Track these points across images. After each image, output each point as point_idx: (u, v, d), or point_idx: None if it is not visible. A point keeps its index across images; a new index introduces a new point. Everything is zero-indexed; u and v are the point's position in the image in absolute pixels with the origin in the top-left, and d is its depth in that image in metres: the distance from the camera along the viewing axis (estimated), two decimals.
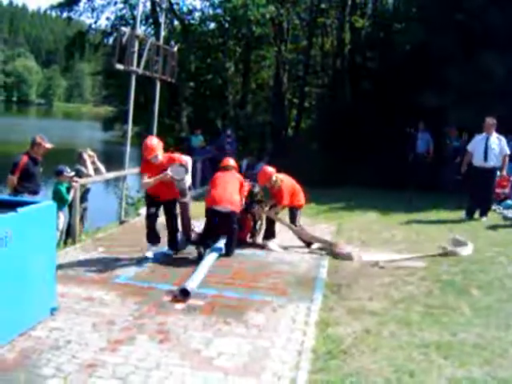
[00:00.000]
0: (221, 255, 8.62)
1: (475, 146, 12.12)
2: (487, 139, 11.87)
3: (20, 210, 5.23)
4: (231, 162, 9.57)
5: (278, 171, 18.58)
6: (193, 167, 17.84)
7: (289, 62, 25.34)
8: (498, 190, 13.35)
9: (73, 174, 9.89)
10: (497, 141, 11.89)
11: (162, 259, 8.47)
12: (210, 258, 8.29)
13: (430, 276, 7.97)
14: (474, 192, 12.14)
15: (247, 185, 9.82)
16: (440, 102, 15.47)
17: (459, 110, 15.20)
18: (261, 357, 5.14)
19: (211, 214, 9.01)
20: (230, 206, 8.86)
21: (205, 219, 9.21)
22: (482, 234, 10.59)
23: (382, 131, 18.50)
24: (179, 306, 6.38)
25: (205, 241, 8.92)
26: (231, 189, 9.09)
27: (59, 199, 9.42)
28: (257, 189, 9.91)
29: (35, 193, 8.65)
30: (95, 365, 4.77)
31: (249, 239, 9.63)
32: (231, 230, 8.90)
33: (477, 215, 12.16)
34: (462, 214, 12.43)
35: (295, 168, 19.30)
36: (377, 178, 17.00)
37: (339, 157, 19.36)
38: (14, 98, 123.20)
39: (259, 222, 9.94)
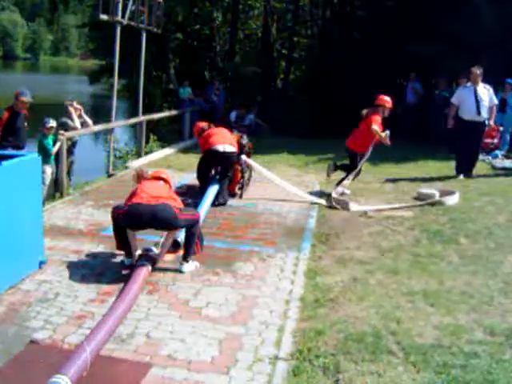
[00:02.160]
0: (214, 203, 8.65)
1: (462, 98, 11.39)
2: (475, 91, 11.15)
3: (4, 163, 5.17)
4: None
5: (268, 122, 18.59)
6: (181, 119, 17.83)
7: (277, 12, 24.95)
8: (486, 140, 13.30)
9: (53, 125, 9.73)
10: (485, 91, 11.22)
11: None
12: (211, 192, 8.62)
13: (418, 225, 8.00)
14: (463, 146, 11.40)
15: (235, 136, 9.76)
16: (430, 52, 15.32)
17: (449, 59, 15.08)
18: (249, 306, 5.18)
19: (212, 156, 9.21)
20: (232, 146, 9.21)
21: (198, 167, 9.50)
22: (471, 184, 10.61)
23: (372, 81, 18.33)
24: (168, 256, 6.38)
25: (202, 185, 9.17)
26: (229, 136, 9.48)
27: (44, 152, 9.32)
28: (245, 140, 9.84)
29: (20, 147, 8.54)
30: (84, 316, 4.80)
31: (237, 190, 9.59)
32: (226, 174, 9.18)
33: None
34: (450, 163, 12.40)
35: (284, 119, 19.35)
36: None
37: (329, 107, 19.26)
38: (0, 53, 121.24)
39: (247, 174, 9.89)
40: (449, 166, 12.09)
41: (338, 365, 4.18)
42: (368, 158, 13.49)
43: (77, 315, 4.82)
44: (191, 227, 6.03)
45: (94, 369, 3.90)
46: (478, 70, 11.09)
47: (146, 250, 6.15)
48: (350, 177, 10.11)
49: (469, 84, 11.40)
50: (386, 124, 16.39)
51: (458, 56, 14.72)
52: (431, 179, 11.25)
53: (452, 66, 15.17)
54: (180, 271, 5.95)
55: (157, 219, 5.73)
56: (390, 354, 4.33)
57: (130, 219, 5.79)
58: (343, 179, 10.15)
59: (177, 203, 5.98)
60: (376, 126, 9.66)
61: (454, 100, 11.62)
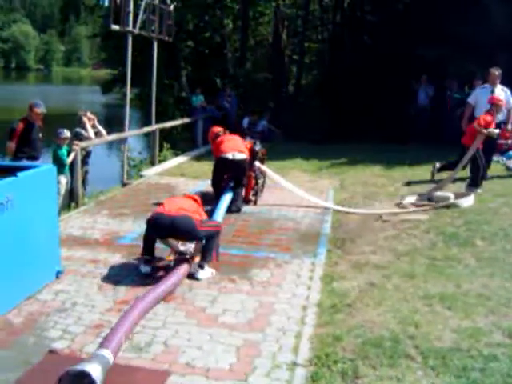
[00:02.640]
0: (229, 210, 8.69)
1: (478, 98, 11.21)
2: (492, 92, 10.89)
3: (20, 174, 5.21)
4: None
5: (280, 128, 18.60)
6: (194, 127, 17.89)
7: (288, 18, 25.01)
8: (501, 141, 13.20)
9: (67, 135, 9.79)
10: (502, 93, 10.96)
11: None
12: (226, 199, 8.61)
13: (434, 228, 7.96)
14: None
15: (249, 143, 9.77)
16: (440, 54, 15.30)
17: (459, 61, 15.04)
18: (266, 312, 5.18)
19: (222, 164, 9.27)
20: (242, 153, 9.21)
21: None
22: (485, 185, 10.55)
23: (383, 85, 18.34)
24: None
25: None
26: (240, 143, 9.46)
27: (58, 162, 9.39)
28: (258, 147, 9.84)
29: (35, 158, 8.60)
30: (102, 325, 4.81)
31: (251, 197, 9.60)
32: (240, 181, 9.17)
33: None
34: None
35: (297, 124, 19.38)
36: (378, 133, 16.96)
37: (340, 112, 19.27)
38: (13, 65, 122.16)
39: (261, 180, 9.91)
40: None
41: (357, 370, 4.17)
42: (381, 162, 13.51)
43: (94, 324, 4.84)
44: (211, 237, 6.11)
45: (112, 377, 3.91)
46: (496, 71, 10.95)
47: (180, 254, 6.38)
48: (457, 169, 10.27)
49: (487, 85, 11.23)
50: (397, 127, 16.47)
51: (469, 58, 14.69)
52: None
53: (463, 68, 15.12)
54: (196, 278, 5.97)
55: (176, 229, 5.93)
56: (408, 359, 4.31)
57: (151, 228, 6.09)
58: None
59: (200, 217, 6.16)
60: (477, 125, 9.94)
61: (470, 100, 11.44)
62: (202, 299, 5.44)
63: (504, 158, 12.99)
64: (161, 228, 6.00)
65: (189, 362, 4.26)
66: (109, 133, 11.74)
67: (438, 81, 17.13)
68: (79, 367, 3.77)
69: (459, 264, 6.54)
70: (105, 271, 6.18)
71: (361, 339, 4.61)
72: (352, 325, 4.89)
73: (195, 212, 6.15)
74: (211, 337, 4.66)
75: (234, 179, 9.25)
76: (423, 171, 12.64)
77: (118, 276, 6.00)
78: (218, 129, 9.79)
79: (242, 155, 9.19)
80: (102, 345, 4.14)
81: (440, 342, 4.58)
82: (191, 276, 6.01)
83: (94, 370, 3.75)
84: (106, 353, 4.01)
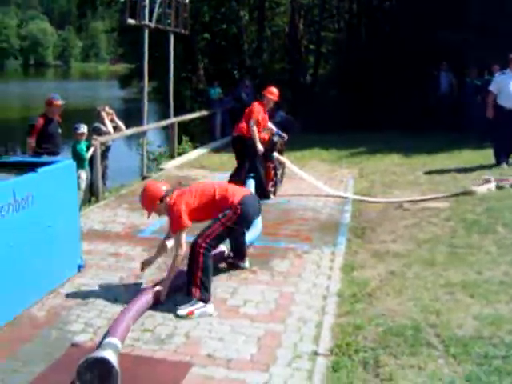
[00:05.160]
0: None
1: (500, 85, 10.96)
2: None
3: (40, 170, 5.26)
4: None
5: (298, 118, 18.53)
6: (212, 119, 17.91)
7: (304, 7, 24.89)
8: None
9: (84, 131, 9.83)
10: None
11: None
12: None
13: (455, 216, 7.91)
14: (500, 135, 11.02)
15: (266, 133, 9.70)
16: (459, 41, 15.14)
17: (479, 48, 14.86)
18: (286, 303, 5.19)
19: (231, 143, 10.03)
20: (237, 132, 9.56)
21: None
22: (507, 172, 10.46)
23: (402, 73, 18.21)
24: None
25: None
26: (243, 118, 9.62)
27: (77, 158, 9.46)
28: (276, 138, 9.81)
29: (55, 153, 8.65)
30: None
31: (271, 188, 9.60)
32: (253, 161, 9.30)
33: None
34: (484, 152, 12.23)
35: (315, 114, 19.31)
36: (398, 121, 16.83)
37: (359, 101, 19.15)
38: (32, 62, 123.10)
39: (280, 171, 9.90)
40: (484, 156, 11.93)
41: (378, 359, 4.16)
42: (400, 149, 13.44)
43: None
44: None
45: (134, 369, 3.95)
46: None
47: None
48: None
49: (507, 71, 10.98)
50: (417, 115, 16.34)
51: (489, 44, 14.50)
52: (466, 169, 11.07)
53: (482, 55, 14.94)
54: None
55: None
56: (430, 347, 4.30)
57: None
58: None
59: None
60: None
61: (492, 88, 11.16)
62: (222, 291, 5.46)
63: None
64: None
65: (210, 353, 4.28)
66: (128, 127, 11.78)
67: (458, 68, 16.96)
68: (96, 354, 3.82)
69: (480, 251, 6.49)
70: (125, 264, 6.23)
71: (382, 328, 4.60)
72: (373, 314, 4.88)
73: None
74: (232, 328, 4.68)
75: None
76: (442, 159, 12.58)
77: (139, 269, 6.01)
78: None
79: (237, 133, 9.56)
80: (108, 334, 4.26)
81: (461, 330, 4.55)
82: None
83: (111, 356, 3.80)
84: (115, 340, 4.11)
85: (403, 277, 5.76)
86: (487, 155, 11.54)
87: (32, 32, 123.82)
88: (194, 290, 5.01)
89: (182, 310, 4.94)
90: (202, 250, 5.06)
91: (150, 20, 11.66)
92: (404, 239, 7.06)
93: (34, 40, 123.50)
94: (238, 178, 9.35)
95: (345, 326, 4.67)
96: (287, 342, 4.46)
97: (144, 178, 11.58)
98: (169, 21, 12.94)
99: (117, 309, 4.99)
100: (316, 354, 4.27)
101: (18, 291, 4.91)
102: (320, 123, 18.49)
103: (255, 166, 9.30)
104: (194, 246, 5.10)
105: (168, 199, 5.25)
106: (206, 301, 5.01)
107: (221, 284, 5.62)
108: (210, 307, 5.01)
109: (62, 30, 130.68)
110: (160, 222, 7.82)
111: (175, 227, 5.20)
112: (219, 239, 5.31)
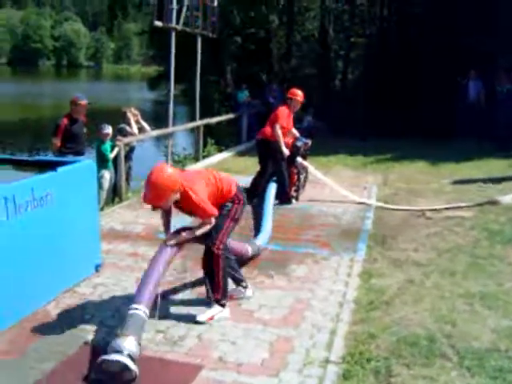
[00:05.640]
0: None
1: None
2: None
3: (59, 169, 5.31)
4: None
5: (326, 123, 18.43)
6: (239, 122, 17.92)
7: (334, 12, 24.78)
8: None
9: (108, 131, 9.89)
10: None
11: None
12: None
13: (478, 226, 7.82)
14: None
15: (291, 137, 9.67)
16: (490, 47, 14.97)
17: (509, 54, 14.70)
18: (301, 308, 5.15)
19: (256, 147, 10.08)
20: (261, 135, 9.54)
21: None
22: None
23: (431, 80, 18.02)
24: None
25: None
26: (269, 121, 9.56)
27: (101, 158, 9.53)
28: (300, 143, 9.77)
29: (80, 153, 8.72)
30: None
31: (293, 193, 9.56)
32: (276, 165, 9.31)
33: None
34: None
35: (343, 120, 19.21)
36: (425, 128, 16.66)
37: (387, 107, 18.97)
38: (64, 62, 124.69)
39: (303, 176, 9.86)
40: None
41: (390, 368, 4.11)
42: (427, 157, 13.31)
43: None
44: None
45: (144, 370, 3.94)
46: None
47: None
48: None
49: None
50: (444, 123, 16.15)
51: None
52: (492, 179, 10.91)
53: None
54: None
55: None
56: (443, 358, 4.23)
57: None
58: None
59: None
60: None
61: None
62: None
63: None
64: None
65: (221, 356, 4.27)
66: (155, 128, 11.82)
67: (486, 75, 16.75)
68: (114, 357, 3.82)
69: (502, 262, 6.41)
70: (143, 265, 6.21)
71: (396, 337, 4.54)
72: (388, 322, 4.83)
73: None
74: (245, 332, 4.66)
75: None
76: (469, 168, 12.43)
77: None
78: None
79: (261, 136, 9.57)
80: (135, 300, 4.29)
81: (477, 341, 4.48)
82: None
83: (128, 361, 3.80)
84: (142, 310, 4.19)
85: (422, 286, 5.70)
86: None
87: (65, 33, 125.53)
88: (215, 294, 4.95)
89: (203, 316, 4.89)
90: (220, 253, 4.95)
91: (178, 22, 11.71)
92: (425, 248, 6.98)
93: (67, 41, 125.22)
94: (260, 181, 9.35)
95: (359, 334, 4.62)
96: (299, 347, 4.42)
97: None
98: (197, 23, 12.97)
99: None
100: (327, 361, 4.23)
101: (34, 288, 4.96)
102: (348, 129, 18.40)
103: (280, 170, 9.28)
104: (211, 251, 4.95)
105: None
106: (224, 305, 4.99)
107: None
108: (226, 311, 5.00)
109: (94, 31, 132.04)
110: (181, 224, 7.86)
111: (205, 216, 4.85)
112: (229, 236, 5.17)
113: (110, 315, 4.96)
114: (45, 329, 4.69)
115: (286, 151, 9.31)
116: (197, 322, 4.84)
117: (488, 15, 15.82)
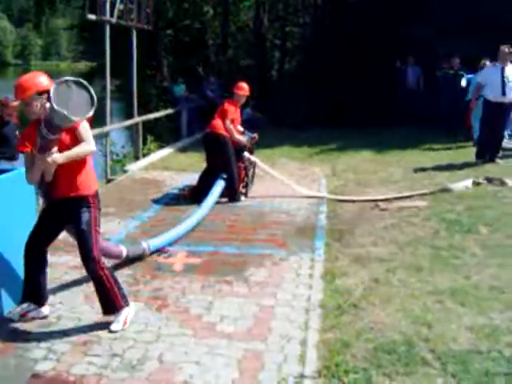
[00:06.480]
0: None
1: (488, 77, 10.79)
2: (503, 70, 10.51)
3: None
4: None
5: (265, 114, 18.15)
6: (178, 117, 17.42)
7: (268, 2, 24.49)
8: None
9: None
10: None
11: (153, 218, 8.06)
12: (217, 189, 8.50)
13: (434, 215, 7.66)
14: (484, 129, 10.95)
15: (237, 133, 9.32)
16: (427, 34, 14.99)
17: (445, 41, 14.76)
18: (266, 317, 4.79)
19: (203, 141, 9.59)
20: (210, 129, 9.20)
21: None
22: (479, 168, 10.29)
23: (369, 68, 17.95)
24: (176, 266, 6.03)
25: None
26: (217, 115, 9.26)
27: None
28: (246, 137, 9.42)
29: (13, 158, 8.13)
30: (90, 341, 4.40)
31: (242, 189, 9.21)
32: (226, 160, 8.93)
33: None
34: (455, 144, 12.30)
35: (282, 111, 18.95)
36: (367, 117, 16.61)
37: (326, 97, 18.83)
38: None
39: (251, 171, 9.52)
40: (457, 152, 11.83)
41: (370, 380, 3.80)
42: (371, 145, 13.22)
43: (82, 341, 4.41)
44: None
45: None
46: (506, 49, 10.51)
47: None
48: None
49: (497, 63, 10.80)
50: (385, 110, 16.15)
51: (455, 37, 14.41)
52: (440, 166, 10.85)
53: (449, 48, 14.82)
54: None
55: None
56: (425, 365, 3.95)
57: None
58: None
59: None
60: None
61: (480, 80, 11.13)
62: (196, 305, 5.03)
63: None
64: None
65: (187, 380, 3.86)
66: (90, 127, 11.20)
67: (426, 60, 16.81)
68: None
69: (464, 253, 6.22)
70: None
71: (372, 344, 4.24)
72: (360, 328, 4.53)
73: None
74: (210, 349, 4.26)
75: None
76: (415, 155, 12.37)
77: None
78: None
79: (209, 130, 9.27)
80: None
81: (456, 343, 4.23)
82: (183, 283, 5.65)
83: None
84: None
85: (389, 284, 5.43)
86: (460, 151, 11.41)
87: None
88: (117, 303, 4.62)
89: (116, 325, 4.58)
90: (101, 264, 4.61)
91: (112, 15, 11.15)
92: (384, 241, 6.75)
93: None
94: (207, 177, 8.97)
95: (331, 343, 4.29)
96: (270, 363, 4.06)
97: (108, 180, 11.09)
98: (131, 16, 12.42)
99: (81, 331, 4.56)
100: (302, 376, 3.89)
101: None
102: (287, 119, 18.18)
103: (229, 164, 8.90)
104: (91, 266, 4.59)
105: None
106: (128, 303, 4.71)
107: (194, 298, 5.21)
108: (132, 308, 4.74)
109: (20, 28, 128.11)
110: (127, 230, 7.44)
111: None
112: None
113: (58, 340, 4.44)
114: None
115: (244, 140, 9.22)
116: (112, 332, 4.52)
117: (424, 2, 15.85)
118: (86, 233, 4.63)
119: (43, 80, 4.48)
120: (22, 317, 4.74)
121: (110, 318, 4.64)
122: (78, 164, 4.59)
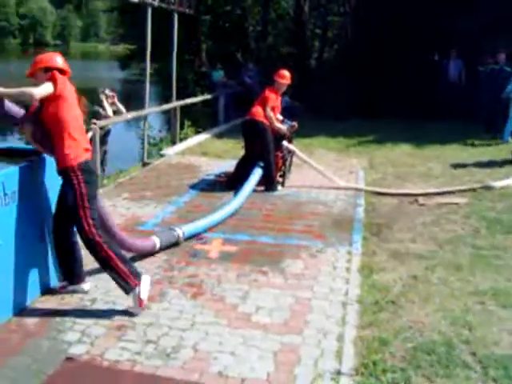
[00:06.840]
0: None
1: None
2: None
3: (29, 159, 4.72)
4: None
5: (303, 104, 17.94)
6: (216, 103, 17.35)
7: None
8: None
9: None
10: None
11: (189, 204, 8.02)
12: (255, 178, 8.44)
13: (474, 213, 7.50)
14: None
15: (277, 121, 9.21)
16: (470, 28, 14.65)
17: (491, 35, 14.42)
18: (303, 310, 4.71)
19: (242, 128, 9.37)
20: (249, 116, 9.02)
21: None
22: None
23: (410, 60, 17.64)
24: (212, 254, 5.98)
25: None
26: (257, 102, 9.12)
27: None
28: (285, 126, 9.31)
29: None
30: (124, 326, 4.37)
31: (279, 178, 9.11)
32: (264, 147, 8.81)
33: None
34: (495, 141, 12.36)
35: (320, 100, 18.76)
36: (405, 109, 16.30)
37: (365, 88, 18.57)
38: (31, 41, 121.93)
39: (288, 160, 9.41)
40: (498, 148, 11.58)
41: (409, 381, 3.71)
42: (411, 140, 12.99)
43: (116, 325, 4.39)
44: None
45: None
46: None
47: None
48: None
49: None
50: (425, 103, 15.85)
51: (501, 31, 14.08)
52: (481, 162, 10.62)
53: (494, 42, 14.47)
54: None
55: None
56: (466, 368, 3.85)
57: None
58: None
59: None
60: None
61: None
62: (232, 295, 4.97)
63: None
64: None
65: (221, 370, 3.81)
66: (127, 110, 11.20)
67: (468, 55, 16.46)
68: None
69: (506, 253, 6.08)
70: None
71: (411, 344, 4.14)
72: (399, 326, 4.43)
73: None
74: (245, 340, 4.20)
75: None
76: (455, 150, 12.13)
77: (139, 267, 5.46)
78: None
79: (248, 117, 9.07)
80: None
81: (498, 347, 4.11)
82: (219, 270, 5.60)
83: None
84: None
85: (428, 282, 5.31)
86: (501, 148, 11.16)
87: (31, 11, 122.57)
88: (130, 282, 4.57)
89: (134, 309, 4.57)
90: (101, 244, 4.54)
91: None
92: (423, 238, 6.62)
93: (33, 19, 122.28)
94: (244, 165, 8.90)
95: (369, 341, 4.20)
96: (307, 357, 3.99)
97: (144, 164, 11.09)
98: (173, 0, 12.38)
99: (116, 316, 4.53)
100: (339, 373, 3.81)
101: (6, 294, 4.42)
102: (325, 109, 17.97)
103: (268, 152, 8.81)
104: (88, 247, 4.58)
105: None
106: (139, 276, 4.67)
107: (230, 287, 5.15)
108: (145, 279, 4.70)
109: (61, 9, 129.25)
110: (164, 214, 7.41)
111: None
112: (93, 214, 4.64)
113: (92, 323, 4.40)
114: (20, 341, 4.17)
115: (283, 127, 9.11)
116: (133, 315, 4.53)
117: None
118: (72, 211, 4.55)
119: (49, 58, 4.77)
120: (62, 289, 4.85)
121: None
122: (55, 134, 4.59)
